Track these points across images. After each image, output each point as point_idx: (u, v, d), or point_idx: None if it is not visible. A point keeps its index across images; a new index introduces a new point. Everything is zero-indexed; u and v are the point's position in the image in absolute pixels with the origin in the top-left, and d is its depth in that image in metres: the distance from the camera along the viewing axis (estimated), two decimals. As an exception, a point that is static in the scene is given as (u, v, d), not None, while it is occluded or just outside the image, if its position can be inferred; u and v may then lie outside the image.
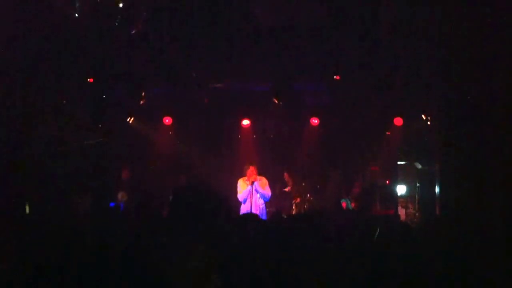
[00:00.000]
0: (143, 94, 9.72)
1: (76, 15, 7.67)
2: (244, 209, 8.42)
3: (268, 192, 8.57)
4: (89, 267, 3.26)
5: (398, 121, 10.24)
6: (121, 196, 9.33)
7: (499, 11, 6.51)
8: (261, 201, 8.52)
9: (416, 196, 10.12)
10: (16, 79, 7.39)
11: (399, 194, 10.26)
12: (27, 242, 3.63)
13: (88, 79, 8.95)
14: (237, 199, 8.56)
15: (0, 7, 6.86)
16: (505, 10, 6.45)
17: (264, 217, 7.91)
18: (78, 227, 4.04)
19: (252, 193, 8.42)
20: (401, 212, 9.93)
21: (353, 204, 9.26)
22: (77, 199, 7.94)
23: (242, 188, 8.56)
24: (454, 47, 7.09)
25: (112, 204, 9.02)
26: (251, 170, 8.55)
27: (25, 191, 7.07)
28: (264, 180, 8.64)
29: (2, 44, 7.15)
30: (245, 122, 10.75)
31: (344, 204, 9.17)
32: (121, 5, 7.68)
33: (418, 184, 10.07)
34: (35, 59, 7.47)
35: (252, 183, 8.44)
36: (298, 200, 9.76)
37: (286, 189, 9.99)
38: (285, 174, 10.15)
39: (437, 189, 8.72)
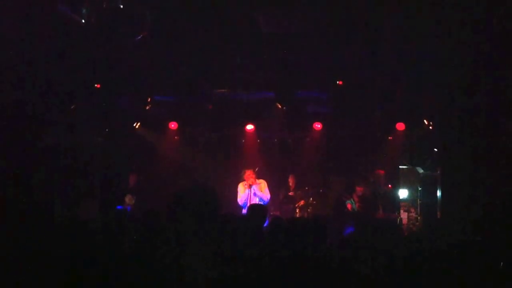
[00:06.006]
0: (148, 100, 9.83)
1: (83, 21, 7.76)
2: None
3: (266, 195, 8.69)
4: (96, 267, 3.34)
5: (400, 126, 10.35)
6: (128, 199, 9.41)
7: (500, 16, 6.57)
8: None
9: (418, 200, 10.16)
10: (25, 84, 7.49)
11: (401, 198, 10.30)
12: (35, 243, 3.69)
13: (95, 85, 9.07)
14: (238, 203, 8.72)
15: (9, 14, 6.95)
16: (506, 15, 6.52)
17: None
18: (85, 229, 4.15)
19: (250, 197, 8.54)
20: (403, 216, 9.98)
21: (357, 205, 9.33)
22: (86, 202, 8.02)
23: (241, 192, 8.70)
24: (455, 52, 7.16)
25: (119, 207, 9.12)
26: (249, 173, 8.68)
27: (34, 193, 7.16)
28: (263, 184, 8.77)
29: (10, 50, 7.24)
30: (249, 127, 10.86)
31: (349, 206, 9.23)
32: (127, 12, 7.76)
33: (420, 189, 10.12)
34: (42, 65, 7.57)
35: (250, 186, 8.57)
36: (302, 203, 9.85)
37: (291, 193, 10.06)
38: (290, 177, 10.23)
39: (438, 194, 8.79)
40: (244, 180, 8.77)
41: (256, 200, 8.56)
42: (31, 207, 6.35)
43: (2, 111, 7.18)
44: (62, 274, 3.33)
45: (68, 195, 7.86)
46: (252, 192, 8.59)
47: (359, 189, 9.42)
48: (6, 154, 7.08)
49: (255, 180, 8.68)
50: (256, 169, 8.96)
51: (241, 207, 8.70)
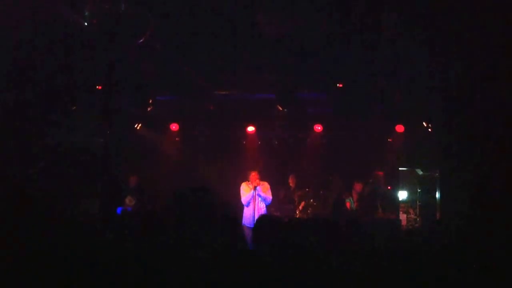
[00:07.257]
0: (150, 101, 9.86)
1: (85, 23, 7.78)
2: (247, 212, 8.72)
3: (269, 196, 8.90)
4: (96, 268, 3.34)
5: (400, 128, 10.40)
6: (128, 200, 9.44)
7: (499, 18, 6.58)
8: (263, 205, 8.84)
9: (417, 202, 10.21)
10: (27, 85, 7.52)
11: (400, 199, 10.35)
12: (35, 243, 3.70)
13: (97, 87, 9.09)
14: (241, 202, 8.80)
15: (10, 15, 6.97)
16: (505, 17, 6.53)
17: None
18: (85, 229, 4.16)
19: (254, 198, 8.70)
20: (402, 217, 10.02)
21: (356, 204, 9.35)
22: (86, 202, 8.04)
23: (245, 191, 8.84)
24: (455, 55, 7.18)
25: (119, 209, 9.16)
26: (254, 175, 8.84)
27: (34, 193, 7.18)
28: (266, 185, 8.95)
29: (12, 50, 7.26)
30: (250, 128, 10.93)
31: (348, 204, 9.28)
32: (128, 13, 7.77)
33: (419, 190, 10.17)
34: (44, 66, 7.59)
35: (255, 188, 8.70)
36: (302, 204, 9.88)
37: (292, 194, 10.09)
38: (290, 177, 10.26)
39: (437, 195, 8.81)
40: (248, 180, 8.89)
41: (259, 201, 8.77)
42: (31, 207, 6.36)
43: (3, 111, 7.21)
44: (62, 274, 3.33)
45: (68, 195, 7.88)
46: (256, 192, 8.75)
47: (357, 186, 9.40)
48: (6, 154, 7.10)
49: (259, 182, 8.80)
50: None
51: (242, 206, 8.83)
